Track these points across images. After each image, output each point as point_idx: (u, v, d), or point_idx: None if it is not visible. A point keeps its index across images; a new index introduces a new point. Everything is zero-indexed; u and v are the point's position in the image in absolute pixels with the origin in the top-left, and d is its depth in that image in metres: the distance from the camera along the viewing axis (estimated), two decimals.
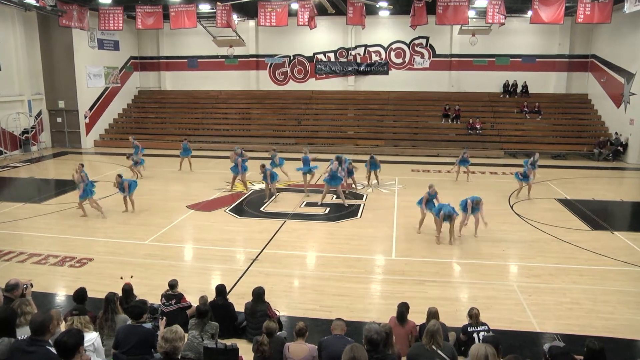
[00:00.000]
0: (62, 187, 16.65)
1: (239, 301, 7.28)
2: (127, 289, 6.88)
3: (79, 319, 5.44)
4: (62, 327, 5.46)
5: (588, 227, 12.40)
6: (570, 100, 26.20)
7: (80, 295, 6.10)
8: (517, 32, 26.11)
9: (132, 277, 7.66)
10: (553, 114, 25.80)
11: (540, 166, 19.12)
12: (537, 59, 26.34)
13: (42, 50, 24.52)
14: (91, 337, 5.13)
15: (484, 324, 6.26)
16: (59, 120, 25.81)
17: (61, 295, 8.58)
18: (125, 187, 13.34)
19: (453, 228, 11.09)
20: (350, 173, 15.76)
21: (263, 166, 14.81)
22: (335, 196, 14.37)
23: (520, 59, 26.46)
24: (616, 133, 22.77)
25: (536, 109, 25.32)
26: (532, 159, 15.82)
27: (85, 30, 23.44)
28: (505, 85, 26.83)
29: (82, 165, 13.72)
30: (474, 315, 6.29)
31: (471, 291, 8.78)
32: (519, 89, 26.70)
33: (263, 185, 15.42)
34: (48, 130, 25.79)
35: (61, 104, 25.38)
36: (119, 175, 13.68)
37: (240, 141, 25.11)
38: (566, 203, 14.70)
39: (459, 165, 17.47)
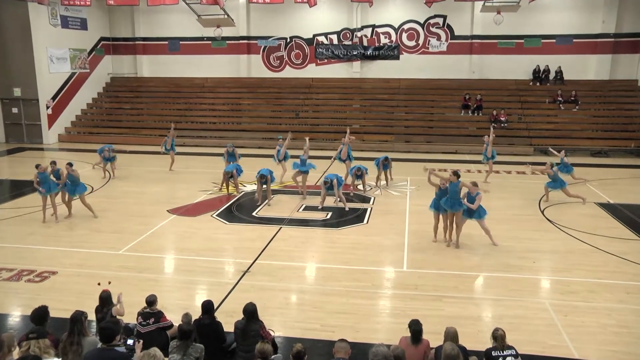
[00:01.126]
0: (18, 188, 16.65)
1: (228, 319, 7.27)
2: (105, 297, 6.98)
3: (36, 343, 5.40)
4: (16, 354, 5.43)
5: (637, 236, 12.36)
6: (615, 88, 26.20)
7: (39, 315, 6.00)
8: (550, 8, 26.17)
9: (109, 283, 7.75)
10: (593, 104, 25.82)
11: (577, 164, 19.14)
12: (575, 40, 26.36)
13: None
14: None
15: (510, 348, 6.23)
16: (15, 110, 25.85)
17: (15, 315, 8.51)
18: (63, 177, 13.17)
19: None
20: (358, 176, 15.85)
21: None
22: (338, 199, 14.38)
23: (554, 40, 26.49)
24: None
25: (572, 99, 25.33)
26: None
27: (45, 4, 23.35)
28: (536, 71, 26.85)
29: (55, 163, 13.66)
30: (499, 337, 6.26)
31: (496, 309, 8.76)
32: (551, 76, 26.73)
33: (255, 187, 15.43)
34: (1, 123, 25.88)
35: (17, 92, 25.42)
36: (69, 164, 13.51)
37: (229, 136, 25.22)
38: (609, 208, 14.67)
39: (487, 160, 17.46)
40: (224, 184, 15.99)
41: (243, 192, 16.09)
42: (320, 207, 14.23)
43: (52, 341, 5.69)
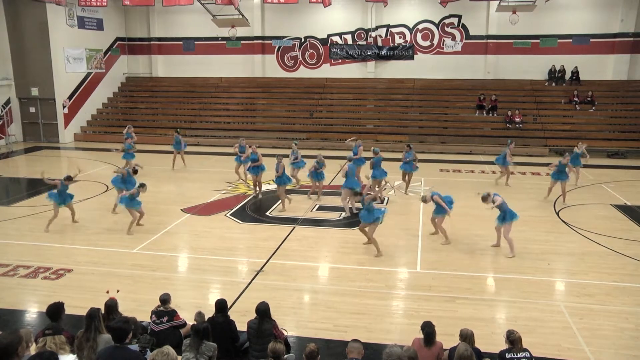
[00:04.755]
0: (35, 187, 16.80)
1: (241, 319, 7.30)
2: (111, 305, 6.91)
3: (52, 340, 5.44)
4: (33, 349, 5.49)
5: None
6: (634, 88, 25.88)
7: (55, 311, 6.04)
8: (567, 7, 25.94)
9: (118, 291, 7.75)
10: (610, 105, 25.55)
11: (593, 166, 18.98)
12: (592, 40, 26.09)
13: (10, 28, 24.75)
14: None
15: (525, 350, 6.19)
16: (32, 110, 26.14)
17: (32, 312, 8.64)
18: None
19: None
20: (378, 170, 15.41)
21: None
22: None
23: (570, 40, 26.25)
24: None
25: (589, 99, 25.07)
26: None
27: (62, 5, 23.58)
28: (552, 71, 26.61)
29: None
30: (516, 340, 6.22)
31: (510, 311, 8.71)
32: (567, 76, 26.47)
33: (269, 186, 15.49)
34: (19, 122, 26.12)
35: (34, 92, 25.69)
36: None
37: (243, 135, 25.23)
38: (626, 210, 14.49)
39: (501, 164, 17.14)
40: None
41: (257, 192, 16.13)
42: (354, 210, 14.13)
43: (67, 337, 5.74)
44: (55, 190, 12.52)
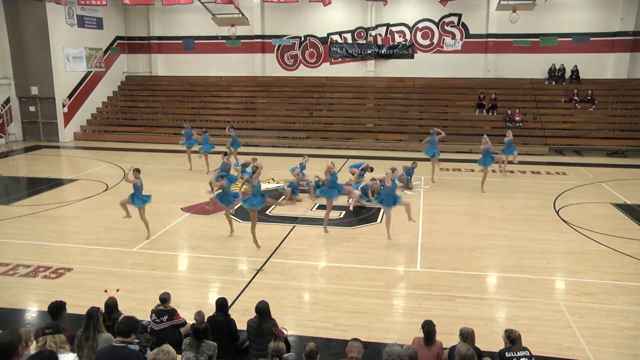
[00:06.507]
0: (35, 186, 16.82)
1: (241, 318, 7.30)
2: (111, 304, 6.91)
3: (52, 339, 5.43)
4: (33, 348, 5.49)
5: None
6: (634, 87, 25.85)
7: (56, 309, 6.09)
8: (567, 6, 25.92)
9: (117, 290, 7.75)
10: (610, 104, 25.53)
11: (593, 165, 18.98)
12: (592, 38, 26.05)
13: (9, 27, 24.72)
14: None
15: (524, 349, 6.19)
16: (32, 109, 26.11)
17: (32, 311, 8.64)
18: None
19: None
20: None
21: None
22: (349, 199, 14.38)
23: (570, 39, 26.21)
24: None
25: (589, 98, 25.05)
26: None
27: (62, 4, 23.54)
28: (552, 70, 26.59)
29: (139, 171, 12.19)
30: (514, 338, 6.22)
31: (510, 310, 8.70)
32: (567, 74, 26.44)
33: (269, 185, 15.50)
34: (18, 121, 26.09)
35: (34, 91, 25.67)
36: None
37: (243, 134, 25.22)
38: (626, 209, 14.48)
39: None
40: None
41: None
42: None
43: (67, 337, 5.73)
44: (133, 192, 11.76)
